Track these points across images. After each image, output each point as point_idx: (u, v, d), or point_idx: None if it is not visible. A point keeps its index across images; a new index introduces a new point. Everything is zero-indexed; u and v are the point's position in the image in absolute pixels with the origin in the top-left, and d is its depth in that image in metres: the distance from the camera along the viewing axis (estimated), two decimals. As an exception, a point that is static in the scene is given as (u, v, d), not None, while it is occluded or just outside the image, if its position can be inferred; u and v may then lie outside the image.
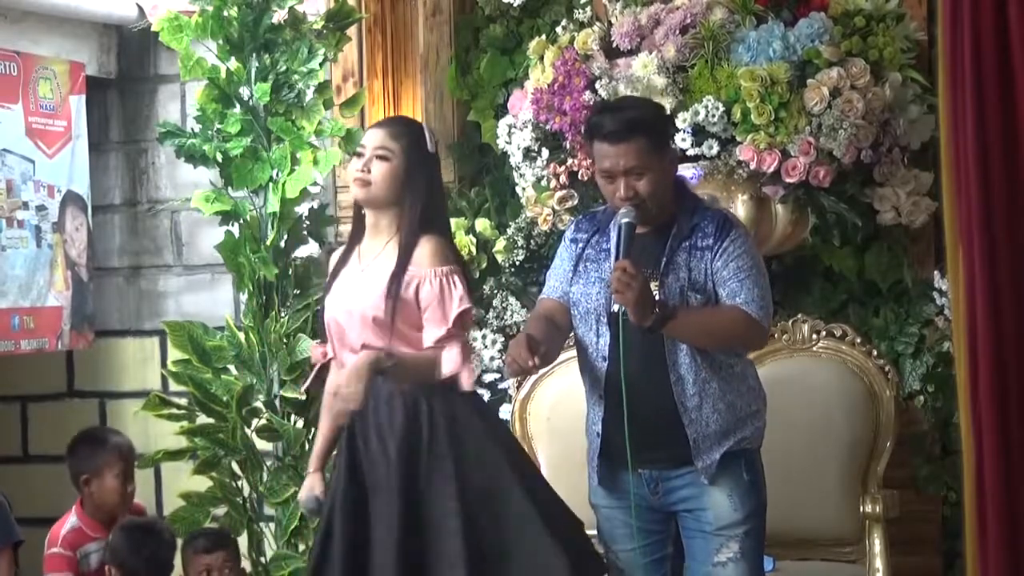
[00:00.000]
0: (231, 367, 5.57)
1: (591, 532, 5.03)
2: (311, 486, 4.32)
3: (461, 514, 4.04)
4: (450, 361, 4.13)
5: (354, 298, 4.20)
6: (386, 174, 4.20)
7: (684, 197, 4.14)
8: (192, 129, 5.65)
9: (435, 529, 4.06)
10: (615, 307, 3.98)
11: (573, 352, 5.30)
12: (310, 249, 5.68)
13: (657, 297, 3.97)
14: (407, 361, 4.12)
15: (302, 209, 5.62)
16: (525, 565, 4.05)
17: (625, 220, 3.97)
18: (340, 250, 4.40)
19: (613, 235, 4.05)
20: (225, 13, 5.51)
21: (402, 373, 4.12)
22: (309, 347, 5.17)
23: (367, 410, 4.13)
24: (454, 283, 4.15)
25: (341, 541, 4.13)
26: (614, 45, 5.33)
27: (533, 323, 4.10)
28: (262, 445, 5.59)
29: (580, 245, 4.15)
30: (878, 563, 4.84)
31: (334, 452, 4.36)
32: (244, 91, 5.55)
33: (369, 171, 4.20)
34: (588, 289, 4.08)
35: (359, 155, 4.24)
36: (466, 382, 4.15)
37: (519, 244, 5.68)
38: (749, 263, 4.01)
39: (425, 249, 4.17)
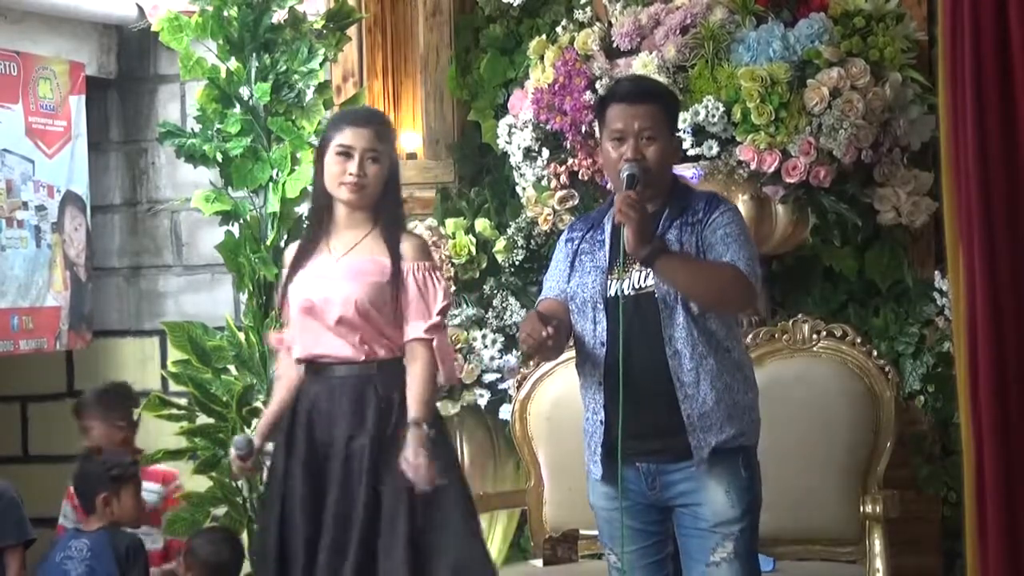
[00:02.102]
0: (231, 367, 5.57)
1: (592, 532, 5.03)
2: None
3: (408, 509, 4.15)
4: (443, 353, 4.27)
5: (329, 287, 4.24)
6: (379, 175, 4.28)
7: (677, 186, 4.20)
8: (192, 129, 5.65)
9: (387, 522, 4.16)
10: (611, 292, 4.02)
11: (573, 353, 5.31)
12: (310, 249, 5.68)
13: (650, 279, 4.00)
14: (429, 398, 4.24)
15: (302, 209, 5.62)
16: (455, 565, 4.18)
17: (628, 172, 4.01)
18: (298, 243, 4.44)
19: (607, 226, 4.08)
20: (225, 13, 5.52)
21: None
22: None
23: (319, 405, 4.26)
24: (437, 278, 4.29)
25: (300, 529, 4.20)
26: (614, 45, 5.33)
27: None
28: (262, 445, 5.58)
29: (575, 243, 4.18)
30: (878, 563, 4.83)
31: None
32: (244, 91, 5.55)
33: (365, 174, 4.24)
34: (584, 279, 4.11)
35: (345, 155, 4.25)
36: (454, 373, 4.45)
37: (519, 244, 5.68)
38: (736, 231, 4.03)
39: (408, 244, 4.30)
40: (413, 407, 4.19)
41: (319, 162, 4.32)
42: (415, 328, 4.24)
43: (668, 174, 4.13)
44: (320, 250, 4.32)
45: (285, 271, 4.39)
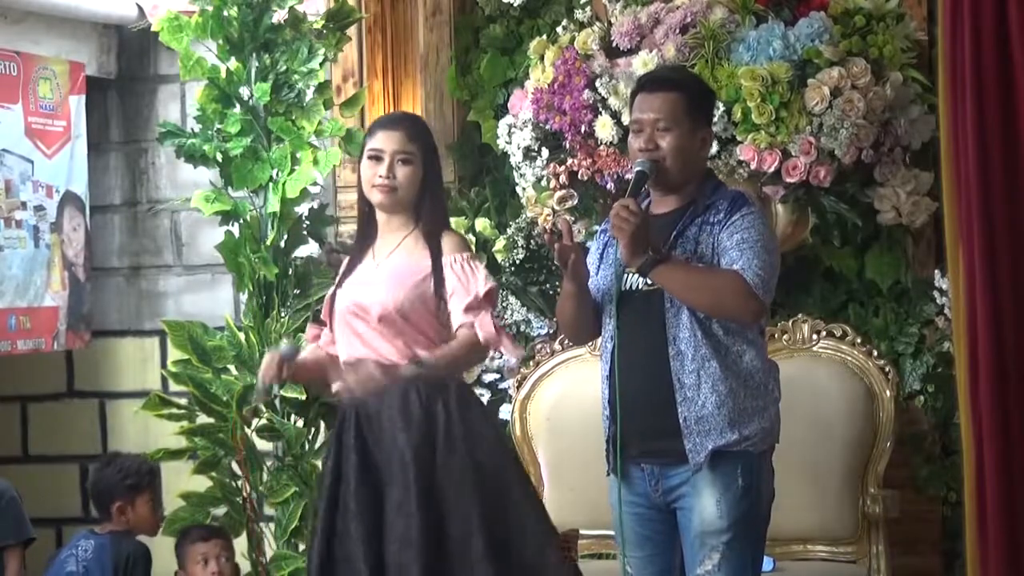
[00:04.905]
0: (231, 367, 5.57)
1: (591, 532, 5.03)
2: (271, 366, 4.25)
3: (477, 512, 4.08)
4: (485, 329, 4.15)
5: (370, 292, 4.21)
6: (411, 177, 4.22)
7: (708, 183, 4.10)
8: (192, 129, 5.65)
9: (455, 527, 4.10)
10: (627, 285, 3.98)
11: (573, 353, 5.33)
12: (310, 249, 5.68)
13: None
14: (449, 356, 4.15)
15: (302, 209, 5.62)
16: (527, 566, 4.10)
17: (638, 169, 3.96)
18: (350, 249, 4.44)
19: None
20: (225, 13, 5.51)
21: (433, 374, 4.15)
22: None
23: (376, 407, 4.18)
24: (475, 266, 4.21)
25: (357, 539, 4.12)
26: (614, 45, 5.33)
27: None
28: (262, 445, 5.59)
29: (607, 234, 4.11)
30: (878, 563, 4.84)
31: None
32: (244, 91, 5.54)
33: (394, 176, 4.21)
34: (606, 271, 4.08)
35: (376, 159, 4.23)
36: (510, 350, 4.21)
37: (519, 244, 5.68)
38: (754, 236, 3.93)
39: (447, 240, 4.23)
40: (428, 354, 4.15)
41: (358, 170, 4.32)
42: (457, 310, 4.16)
43: (691, 167, 4.02)
44: (365, 257, 4.31)
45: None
